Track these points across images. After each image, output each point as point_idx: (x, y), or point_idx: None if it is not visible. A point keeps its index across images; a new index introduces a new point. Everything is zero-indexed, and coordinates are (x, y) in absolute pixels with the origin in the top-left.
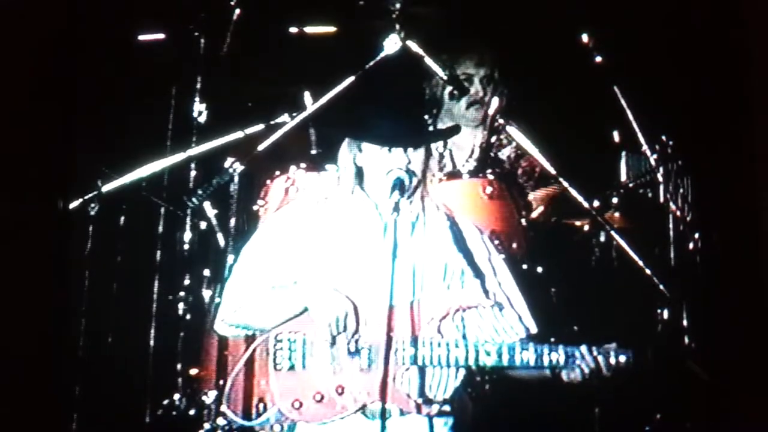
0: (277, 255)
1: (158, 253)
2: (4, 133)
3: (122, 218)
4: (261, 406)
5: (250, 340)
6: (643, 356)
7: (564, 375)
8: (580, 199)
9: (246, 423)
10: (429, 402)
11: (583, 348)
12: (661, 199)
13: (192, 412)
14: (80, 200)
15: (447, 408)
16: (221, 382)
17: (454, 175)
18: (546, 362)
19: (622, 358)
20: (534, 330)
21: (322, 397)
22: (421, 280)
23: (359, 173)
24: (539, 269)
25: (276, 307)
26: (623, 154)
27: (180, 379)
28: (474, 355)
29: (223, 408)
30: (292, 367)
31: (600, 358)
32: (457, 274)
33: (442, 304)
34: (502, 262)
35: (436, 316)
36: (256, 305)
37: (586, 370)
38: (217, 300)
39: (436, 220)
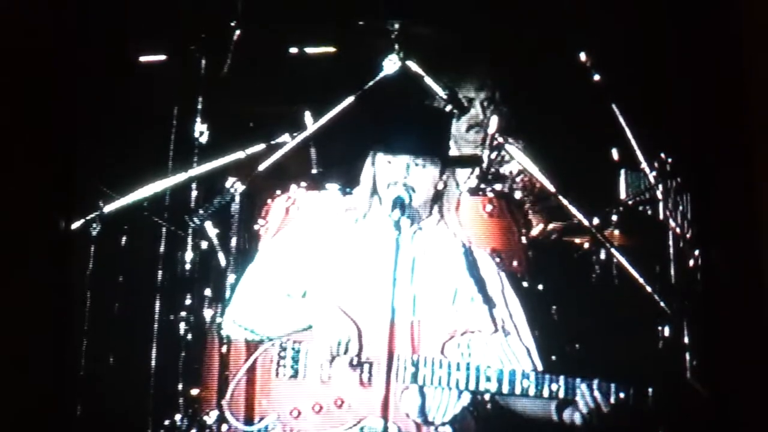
0: (293, 264)
1: (159, 272)
2: (4, 153)
3: (124, 238)
4: (261, 412)
5: (251, 352)
6: (644, 395)
7: (566, 416)
8: (580, 216)
9: (246, 429)
10: (429, 422)
11: (584, 386)
12: (661, 216)
13: None
14: (82, 220)
15: (447, 428)
16: (222, 401)
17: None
18: (546, 393)
19: (622, 395)
20: (540, 368)
21: (321, 408)
22: (428, 301)
23: (375, 191)
24: (539, 287)
25: (283, 319)
26: (622, 171)
27: (181, 400)
28: (475, 380)
29: (224, 409)
30: (293, 376)
31: (598, 396)
32: (467, 301)
33: (447, 326)
34: (514, 295)
35: (440, 337)
36: (264, 312)
37: (585, 410)
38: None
39: (451, 247)
